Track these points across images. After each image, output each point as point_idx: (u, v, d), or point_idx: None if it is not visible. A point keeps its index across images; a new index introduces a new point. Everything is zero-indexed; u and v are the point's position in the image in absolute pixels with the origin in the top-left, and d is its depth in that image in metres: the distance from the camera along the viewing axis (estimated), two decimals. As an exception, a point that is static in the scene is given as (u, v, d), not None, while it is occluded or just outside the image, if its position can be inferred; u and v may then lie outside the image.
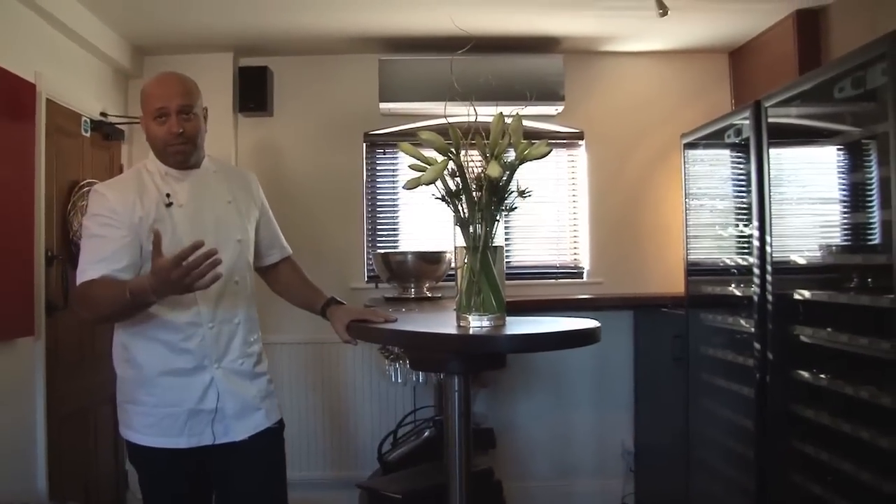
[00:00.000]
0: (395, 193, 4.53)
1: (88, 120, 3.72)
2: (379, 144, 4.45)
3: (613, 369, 4.29)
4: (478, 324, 2.03)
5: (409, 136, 4.18)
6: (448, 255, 3.92)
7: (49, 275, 3.25)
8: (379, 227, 4.53)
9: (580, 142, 4.45)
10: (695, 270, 3.64)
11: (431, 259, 3.86)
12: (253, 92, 4.21)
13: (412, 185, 2.09)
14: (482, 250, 2.08)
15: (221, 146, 4.20)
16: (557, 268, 4.47)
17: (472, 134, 2.13)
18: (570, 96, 4.20)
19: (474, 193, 2.13)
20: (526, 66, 4.12)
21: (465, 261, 2.10)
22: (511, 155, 2.16)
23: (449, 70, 4.19)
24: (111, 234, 2.09)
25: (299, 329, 4.09)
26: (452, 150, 2.12)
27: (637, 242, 4.41)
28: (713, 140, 3.40)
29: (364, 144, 4.41)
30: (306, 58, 4.36)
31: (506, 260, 4.37)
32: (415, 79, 4.09)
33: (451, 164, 2.11)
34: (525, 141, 2.17)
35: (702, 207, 3.69)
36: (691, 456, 3.52)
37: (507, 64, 4.07)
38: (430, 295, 3.90)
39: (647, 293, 4.25)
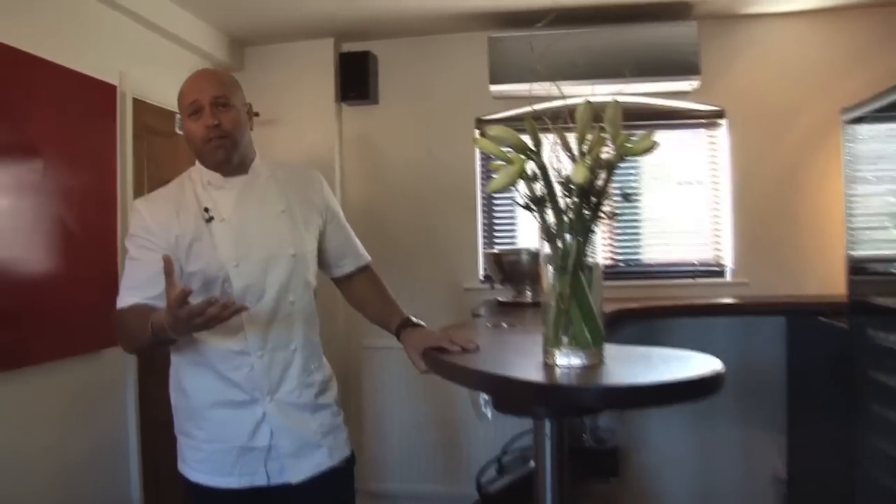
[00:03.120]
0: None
1: (182, 117, 3.58)
2: (493, 131, 4.06)
3: (763, 384, 3.71)
4: (566, 362, 1.65)
5: (522, 120, 3.80)
6: (568, 255, 3.50)
7: (137, 283, 3.14)
8: (496, 221, 4.16)
9: (720, 121, 3.88)
10: (860, 271, 3.03)
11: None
12: (355, 79, 3.94)
13: (492, 188, 1.74)
14: (573, 270, 1.68)
15: (324, 138, 4.00)
16: (695, 266, 3.93)
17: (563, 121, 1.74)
18: (707, 69, 3.66)
19: (563, 200, 1.74)
20: (654, 36, 3.61)
21: (553, 283, 1.72)
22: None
23: (568, 46, 3.78)
24: (145, 258, 1.90)
25: None
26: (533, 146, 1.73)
27: (790, 236, 3.79)
28: (884, 113, 2.79)
29: (477, 132, 4.05)
30: (411, 39, 4.05)
31: (636, 256, 3.90)
32: (529, 57, 3.67)
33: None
34: (625, 133, 1.75)
35: (870, 195, 3.06)
36: (857, 494, 2.94)
37: (632, 35, 3.60)
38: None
39: (803, 296, 3.65)
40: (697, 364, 1.63)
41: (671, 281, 3.88)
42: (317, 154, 3.98)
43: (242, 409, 1.95)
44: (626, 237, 3.94)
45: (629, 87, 3.68)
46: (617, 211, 1.74)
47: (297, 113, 4.01)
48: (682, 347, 3.67)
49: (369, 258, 2.29)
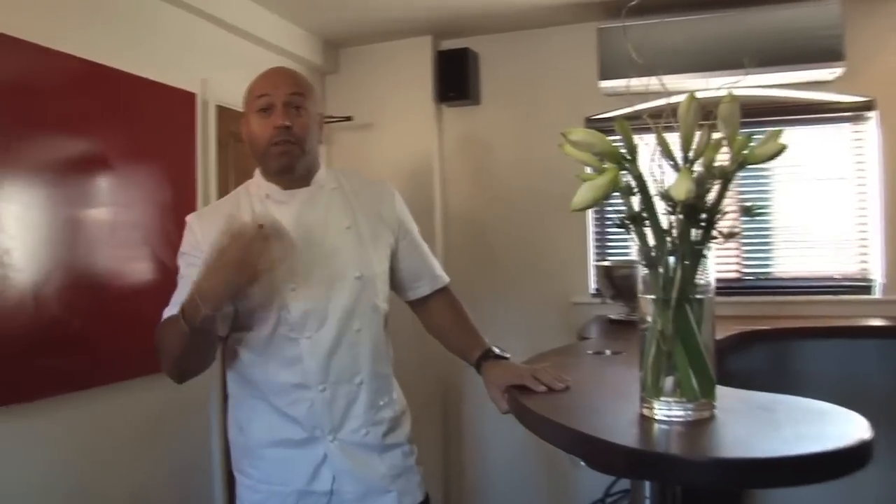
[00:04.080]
0: (628, 189, 3.78)
1: (273, 125, 3.47)
2: (603, 131, 3.70)
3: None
4: (666, 416, 1.35)
5: (634, 119, 3.50)
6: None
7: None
8: (610, 231, 3.82)
9: (869, 113, 3.37)
10: None
11: (663, 273, 3.11)
12: (453, 78, 3.70)
13: (575, 205, 1.49)
14: (676, 304, 1.38)
15: (422, 142, 3.78)
16: (837, 280, 3.44)
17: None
18: (852, 54, 3.18)
19: (665, 217, 1.45)
20: (790, 19, 3.18)
21: (653, 318, 1.42)
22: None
23: (689, 35, 3.40)
24: (194, 276, 1.69)
25: (520, 345, 3.51)
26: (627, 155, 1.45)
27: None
28: None
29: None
30: (514, 34, 3.76)
31: (767, 269, 3.46)
32: (642, 49, 3.32)
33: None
34: (744, 133, 1.43)
35: None
36: None
37: (763, 20, 3.19)
38: (663, 318, 3.16)
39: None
40: (836, 426, 1.28)
41: (808, 297, 3.40)
42: (415, 159, 3.77)
43: (301, 448, 1.75)
44: (755, 247, 3.49)
45: (759, 78, 3.26)
46: (736, 230, 1.41)
47: (394, 116, 3.80)
48: (821, 373, 3.22)
49: (447, 279, 2.03)
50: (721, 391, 1.58)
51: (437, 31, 3.72)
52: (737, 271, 3.46)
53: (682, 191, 1.24)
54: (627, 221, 1.46)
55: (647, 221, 1.42)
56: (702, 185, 1.35)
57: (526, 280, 3.78)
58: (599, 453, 1.31)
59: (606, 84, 3.44)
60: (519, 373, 1.72)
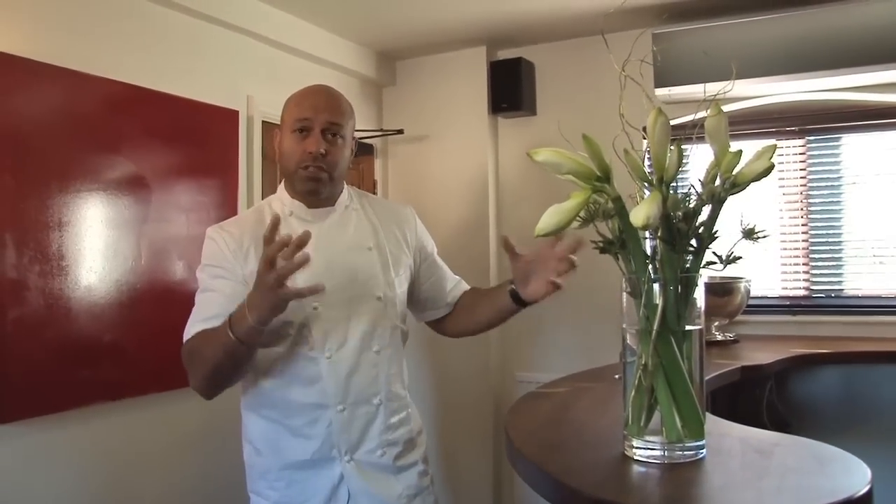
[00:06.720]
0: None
1: (325, 139, 3.46)
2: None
3: None
4: (646, 457, 1.27)
5: (689, 128, 3.33)
6: (743, 285, 2.97)
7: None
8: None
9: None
10: None
11: (719, 290, 2.98)
12: (506, 89, 3.59)
13: (539, 230, 1.42)
14: (660, 336, 1.28)
15: (476, 155, 3.69)
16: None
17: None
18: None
19: (650, 241, 1.37)
20: (866, 16, 2.93)
21: (637, 350, 1.34)
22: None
23: (750, 38, 3.21)
24: (223, 288, 1.70)
25: (578, 360, 3.39)
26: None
27: None
28: None
29: (645, 143, 3.55)
30: (569, 42, 3.60)
31: (839, 287, 3.20)
32: (700, 54, 3.16)
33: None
34: (733, 151, 1.33)
35: None
36: None
37: (837, 17, 2.95)
38: (719, 337, 3.01)
39: None
40: (830, 479, 1.18)
41: (883, 318, 3.09)
42: (470, 172, 3.65)
43: (318, 469, 1.75)
44: (825, 262, 3.23)
45: (838, 80, 3.05)
46: (738, 255, 1.30)
47: (449, 128, 3.71)
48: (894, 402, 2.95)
49: (462, 290, 2.03)
50: (724, 428, 1.47)
51: (492, 40, 3.63)
52: (805, 288, 3.23)
53: (641, 217, 1.14)
54: (608, 247, 1.37)
55: (629, 248, 1.33)
56: (677, 207, 1.25)
57: (586, 295, 3.62)
58: (566, 497, 1.22)
59: (662, 92, 3.28)
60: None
